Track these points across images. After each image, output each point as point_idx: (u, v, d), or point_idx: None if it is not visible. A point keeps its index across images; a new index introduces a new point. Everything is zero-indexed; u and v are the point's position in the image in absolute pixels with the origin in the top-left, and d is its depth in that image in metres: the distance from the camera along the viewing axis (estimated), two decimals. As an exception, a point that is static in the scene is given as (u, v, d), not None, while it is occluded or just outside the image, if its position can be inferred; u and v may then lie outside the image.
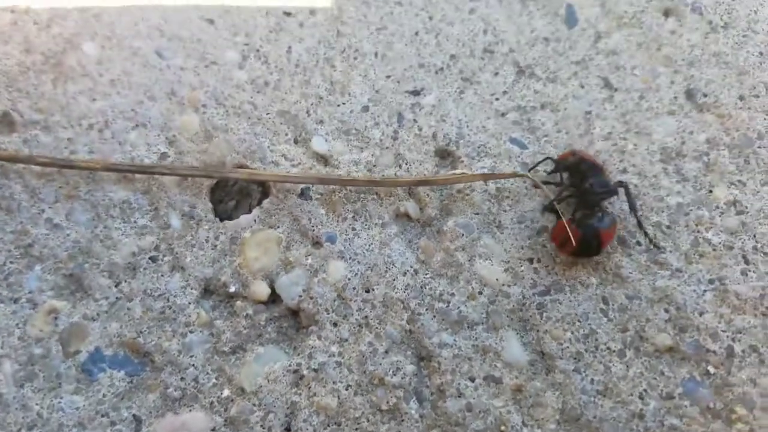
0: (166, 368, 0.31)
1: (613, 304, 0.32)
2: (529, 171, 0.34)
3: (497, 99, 0.37)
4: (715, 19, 0.40)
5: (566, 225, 0.31)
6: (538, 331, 0.32)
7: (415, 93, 0.38)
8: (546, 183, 0.34)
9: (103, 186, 0.35)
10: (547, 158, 0.34)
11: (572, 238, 0.31)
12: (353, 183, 0.34)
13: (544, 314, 0.32)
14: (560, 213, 0.32)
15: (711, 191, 0.35)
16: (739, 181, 0.36)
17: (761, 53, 0.39)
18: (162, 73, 0.38)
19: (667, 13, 0.41)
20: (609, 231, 0.32)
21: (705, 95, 0.38)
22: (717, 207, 0.35)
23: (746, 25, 0.40)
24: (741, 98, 0.38)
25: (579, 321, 0.32)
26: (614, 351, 0.31)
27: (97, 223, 0.34)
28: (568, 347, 0.31)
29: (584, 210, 0.32)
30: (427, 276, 0.33)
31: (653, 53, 0.39)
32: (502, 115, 0.37)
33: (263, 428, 0.30)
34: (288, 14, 0.40)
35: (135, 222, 0.34)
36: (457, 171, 0.34)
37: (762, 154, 0.36)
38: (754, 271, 0.33)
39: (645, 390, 0.31)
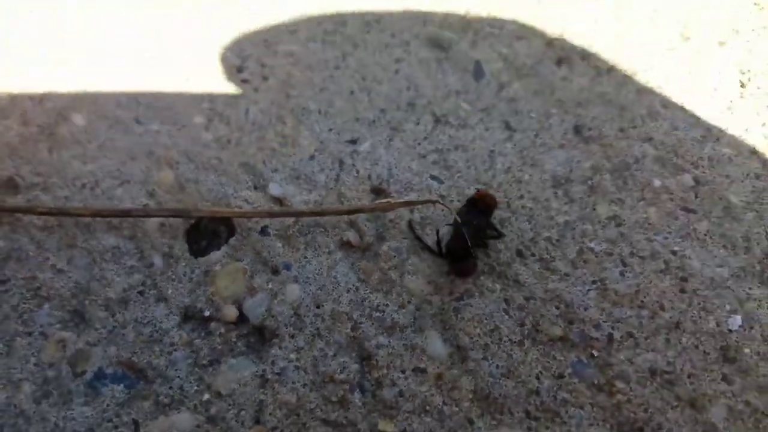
0: (157, 380, 0.42)
1: (513, 305, 0.44)
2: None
3: (419, 144, 0.50)
4: (601, 64, 0.53)
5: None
6: (454, 329, 0.43)
7: (353, 142, 0.50)
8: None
9: (96, 235, 0.46)
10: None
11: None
12: (299, 215, 0.46)
13: (459, 316, 0.43)
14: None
15: (594, 209, 0.47)
16: (619, 199, 0.48)
17: (638, 91, 0.52)
18: (141, 137, 0.50)
19: (560, 62, 0.53)
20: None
21: (590, 129, 0.50)
22: (599, 221, 0.47)
23: (627, 69, 0.53)
24: (621, 130, 0.51)
25: (486, 319, 0.43)
26: (515, 342, 0.43)
27: (93, 267, 0.45)
28: (478, 341, 0.43)
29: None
30: (367, 291, 0.45)
31: (547, 97, 0.51)
32: (423, 157, 0.49)
33: (237, 422, 0.41)
34: (245, 81, 0.52)
35: (124, 263, 0.45)
36: (384, 200, 0.46)
37: (638, 175, 0.49)
38: (630, 272, 0.45)
39: (540, 371, 0.42)
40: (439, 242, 0.45)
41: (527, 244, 0.46)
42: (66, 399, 0.42)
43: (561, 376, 0.42)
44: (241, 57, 0.53)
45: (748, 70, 0.53)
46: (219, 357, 0.43)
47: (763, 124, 0.51)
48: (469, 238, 0.43)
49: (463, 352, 0.43)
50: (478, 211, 0.45)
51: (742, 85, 0.52)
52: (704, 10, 0.56)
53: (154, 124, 0.50)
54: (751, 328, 0.44)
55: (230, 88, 0.52)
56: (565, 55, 0.53)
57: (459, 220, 0.43)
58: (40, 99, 0.51)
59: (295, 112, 0.51)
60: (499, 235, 0.45)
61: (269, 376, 0.42)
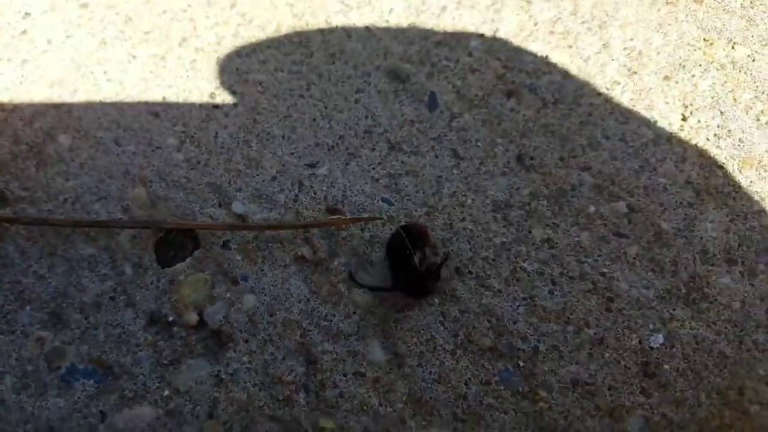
0: (123, 377, 0.51)
1: (448, 317, 0.53)
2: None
3: (373, 168, 0.59)
4: (548, 96, 0.63)
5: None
6: (394, 338, 0.52)
7: (312, 165, 0.59)
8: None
9: (75, 245, 0.56)
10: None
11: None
12: (256, 228, 0.55)
13: (399, 326, 0.52)
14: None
15: (530, 232, 0.56)
16: (554, 223, 0.57)
17: (582, 122, 0.61)
18: (119, 157, 0.60)
19: (509, 95, 0.63)
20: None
21: (532, 158, 0.59)
22: (533, 243, 0.56)
23: (572, 100, 0.62)
24: (561, 159, 0.60)
25: (423, 330, 0.52)
26: (448, 351, 0.51)
27: (71, 273, 0.55)
28: (414, 349, 0.51)
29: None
30: (317, 303, 0.54)
31: (494, 127, 0.61)
32: (377, 180, 0.58)
33: (192, 416, 0.50)
34: (216, 107, 0.62)
35: (99, 271, 0.55)
36: (334, 216, 0.55)
37: (574, 202, 0.58)
38: (558, 291, 0.54)
39: (469, 378, 0.51)
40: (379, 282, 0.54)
41: (465, 262, 0.55)
42: (42, 391, 0.51)
43: (488, 383, 0.51)
44: (214, 85, 0.63)
45: (691, 104, 0.62)
46: (179, 357, 0.52)
47: (700, 155, 0.60)
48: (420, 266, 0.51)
49: (400, 358, 0.52)
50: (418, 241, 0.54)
51: (684, 119, 0.61)
52: (652, 44, 0.65)
53: (131, 146, 0.60)
54: (672, 346, 0.52)
55: (202, 113, 0.62)
56: (514, 88, 0.63)
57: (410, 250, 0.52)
58: (30, 119, 0.62)
59: (260, 136, 0.61)
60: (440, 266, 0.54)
61: (223, 376, 0.51)
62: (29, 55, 0.66)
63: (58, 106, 0.63)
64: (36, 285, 0.55)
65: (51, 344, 0.53)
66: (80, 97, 0.63)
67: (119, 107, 0.62)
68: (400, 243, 0.53)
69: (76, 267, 0.55)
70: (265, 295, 0.54)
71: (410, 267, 0.52)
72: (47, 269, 0.55)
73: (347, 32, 0.66)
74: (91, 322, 0.53)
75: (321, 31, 0.67)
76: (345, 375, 0.52)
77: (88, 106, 0.63)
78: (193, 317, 0.54)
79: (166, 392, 0.51)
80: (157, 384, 0.51)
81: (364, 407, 0.50)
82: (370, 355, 0.52)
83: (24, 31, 0.67)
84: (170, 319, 0.53)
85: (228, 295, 0.54)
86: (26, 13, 0.68)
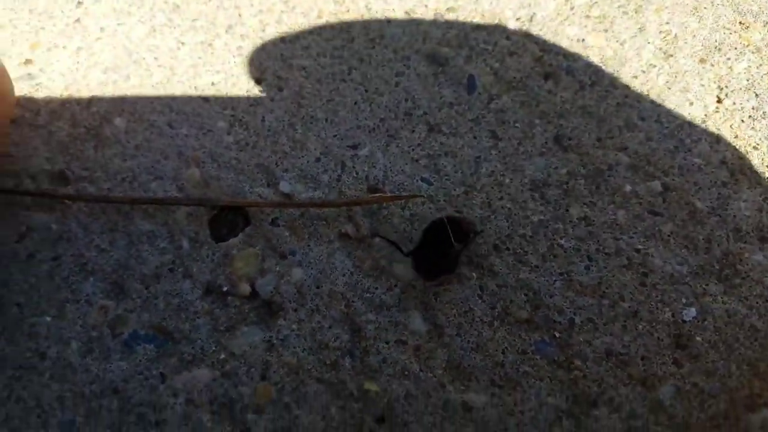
0: (182, 342, 0.59)
1: (486, 291, 0.59)
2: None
3: (413, 149, 0.66)
4: (584, 79, 0.68)
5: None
6: (433, 310, 0.59)
7: (354, 147, 0.66)
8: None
9: (134, 221, 0.64)
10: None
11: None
12: (302, 206, 0.63)
13: (438, 299, 0.59)
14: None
15: (567, 210, 0.62)
16: (591, 201, 0.63)
17: (618, 104, 0.67)
18: (172, 140, 0.68)
19: (546, 77, 0.69)
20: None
21: (570, 139, 0.65)
22: (570, 221, 0.62)
23: (608, 83, 0.68)
24: (598, 139, 0.65)
25: (462, 303, 0.59)
26: (485, 322, 0.58)
27: (131, 247, 0.63)
28: (453, 320, 0.58)
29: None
30: (360, 276, 0.61)
31: (533, 109, 0.67)
32: (416, 161, 0.65)
33: (247, 377, 0.57)
34: (262, 92, 0.70)
35: (158, 245, 0.63)
36: (375, 194, 0.62)
37: (610, 181, 0.64)
38: (594, 266, 0.60)
39: (506, 347, 0.57)
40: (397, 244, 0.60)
41: (503, 239, 0.61)
42: (106, 355, 0.59)
43: (525, 352, 0.57)
44: (260, 70, 0.71)
45: (726, 86, 0.67)
46: (234, 324, 0.60)
47: (736, 137, 0.65)
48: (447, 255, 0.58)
49: (439, 329, 0.59)
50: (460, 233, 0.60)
51: (719, 101, 0.67)
52: (688, 27, 0.70)
53: (184, 128, 0.68)
54: (705, 320, 0.58)
55: (249, 98, 0.69)
56: (551, 71, 0.69)
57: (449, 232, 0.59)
58: (87, 104, 0.70)
59: (304, 119, 0.68)
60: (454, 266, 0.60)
61: (275, 342, 0.59)
62: (83, 42, 0.74)
63: (112, 91, 0.71)
64: (98, 258, 0.63)
65: (114, 312, 0.61)
66: (133, 83, 0.71)
67: (170, 92, 0.70)
68: (437, 230, 0.60)
69: (135, 241, 0.63)
70: (312, 268, 0.62)
71: (432, 255, 0.59)
72: (108, 243, 0.63)
73: (387, 18, 0.73)
74: (152, 291, 0.61)
75: (361, 16, 0.74)
76: (387, 343, 0.59)
77: (141, 91, 0.71)
78: (246, 288, 0.61)
79: (222, 356, 0.59)
80: (214, 348, 0.59)
81: (406, 372, 0.57)
82: (411, 325, 0.59)
83: (77, 20, 0.76)
84: (225, 289, 0.61)
85: (277, 269, 0.62)
86: (79, 2, 0.77)
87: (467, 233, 0.60)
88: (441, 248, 0.58)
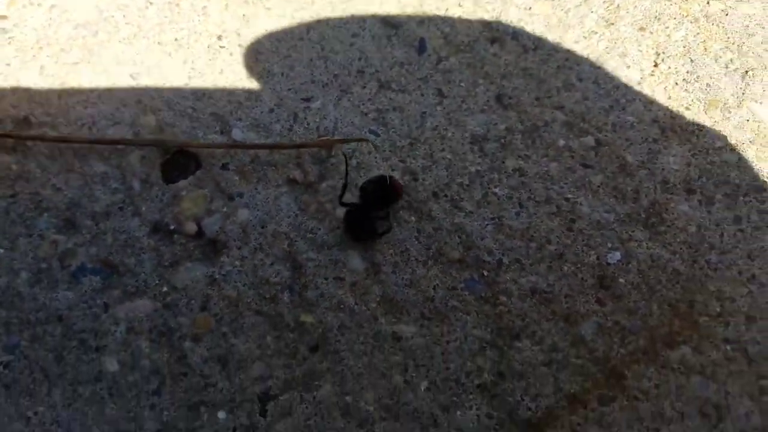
0: (127, 275, 0.61)
1: (423, 233, 0.62)
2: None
3: (363, 104, 0.69)
4: (528, 43, 0.72)
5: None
6: (372, 250, 0.61)
7: (307, 99, 0.69)
8: None
9: (90, 163, 0.66)
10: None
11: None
12: (251, 147, 0.65)
13: (377, 240, 0.61)
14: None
15: (503, 162, 0.65)
16: (526, 155, 0.65)
17: (558, 66, 0.70)
18: (133, 90, 0.70)
19: (493, 41, 0.72)
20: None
21: (510, 98, 0.68)
22: (505, 172, 0.64)
23: (551, 47, 0.71)
24: (537, 99, 0.68)
25: (399, 243, 0.61)
26: (420, 261, 0.60)
27: (85, 187, 0.65)
28: (390, 259, 0.61)
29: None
30: (304, 218, 0.63)
31: (477, 70, 0.70)
32: (366, 114, 0.68)
33: (187, 309, 0.59)
34: (222, 47, 0.73)
35: (110, 186, 0.65)
36: (324, 137, 0.65)
37: (545, 136, 0.66)
38: (525, 213, 0.63)
39: (437, 284, 0.59)
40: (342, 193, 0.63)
41: (442, 187, 0.64)
42: (53, 285, 0.61)
43: (454, 288, 0.60)
44: (221, 28, 0.74)
45: (663, 52, 0.71)
46: (178, 260, 0.62)
47: (669, 98, 0.68)
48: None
49: (376, 267, 0.61)
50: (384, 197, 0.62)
51: (655, 65, 0.70)
52: None
53: (144, 79, 0.71)
54: (629, 263, 0.61)
55: (210, 53, 0.72)
56: (498, 36, 0.72)
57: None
58: (56, 56, 0.73)
59: (261, 74, 0.71)
60: (388, 229, 0.63)
61: (217, 277, 0.61)
62: (57, 0, 0.77)
63: (81, 45, 0.74)
64: (53, 196, 0.65)
65: (64, 246, 0.63)
66: (101, 38, 0.74)
67: (135, 47, 0.73)
68: (372, 189, 0.62)
69: (89, 182, 0.66)
70: (258, 210, 0.64)
71: (364, 216, 0.62)
72: (64, 183, 0.66)
73: (346, -14, 0.77)
74: (101, 228, 0.63)
75: (322, -16, 0.77)
76: (326, 279, 0.61)
77: (107, 46, 0.74)
78: (192, 227, 0.63)
79: (165, 288, 0.61)
80: (157, 281, 0.61)
81: (341, 306, 0.59)
82: (349, 264, 0.61)
83: (52, -18, 0.79)
84: (172, 228, 0.63)
85: (224, 209, 0.64)
86: (54, -34, 0.80)
87: (397, 195, 0.63)
88: (367, 211, 0.61)
